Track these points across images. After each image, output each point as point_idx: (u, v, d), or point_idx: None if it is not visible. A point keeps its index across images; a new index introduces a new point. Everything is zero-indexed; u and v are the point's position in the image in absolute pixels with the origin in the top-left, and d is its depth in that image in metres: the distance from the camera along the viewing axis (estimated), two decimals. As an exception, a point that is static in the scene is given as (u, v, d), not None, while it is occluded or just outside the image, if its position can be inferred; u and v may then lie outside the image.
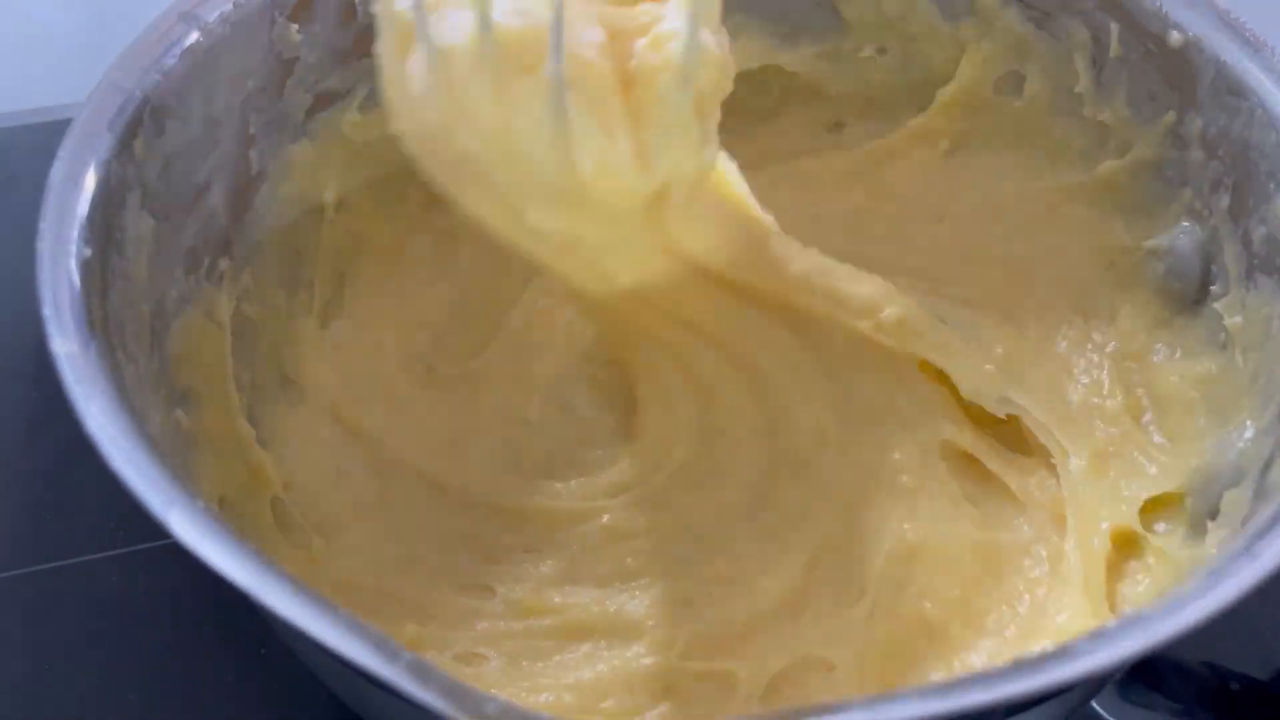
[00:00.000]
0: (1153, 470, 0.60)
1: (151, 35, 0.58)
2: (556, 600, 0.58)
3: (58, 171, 0.52)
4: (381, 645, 0.39)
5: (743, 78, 0.58)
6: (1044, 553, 0.60)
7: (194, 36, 0.59)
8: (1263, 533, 0.44)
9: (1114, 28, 0.64)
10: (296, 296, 0.65)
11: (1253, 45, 0.60)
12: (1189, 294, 0.64)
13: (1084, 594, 0.56)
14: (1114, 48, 0.64)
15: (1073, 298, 0.67)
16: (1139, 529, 0.58)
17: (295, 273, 0.65)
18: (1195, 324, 0.62)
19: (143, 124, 0.56)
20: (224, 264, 0.61)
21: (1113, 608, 0.56)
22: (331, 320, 0.66)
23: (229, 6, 0.60)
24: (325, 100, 0.66)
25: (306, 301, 0.66)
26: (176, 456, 0.52)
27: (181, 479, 0.45)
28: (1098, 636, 0.41)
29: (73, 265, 0.49)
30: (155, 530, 0.42)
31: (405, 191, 0.66)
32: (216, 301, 0.60)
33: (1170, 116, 0.63)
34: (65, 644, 0.62)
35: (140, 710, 0.60)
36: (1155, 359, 0.64)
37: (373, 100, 0.63)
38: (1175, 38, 0.62)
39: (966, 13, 0.69)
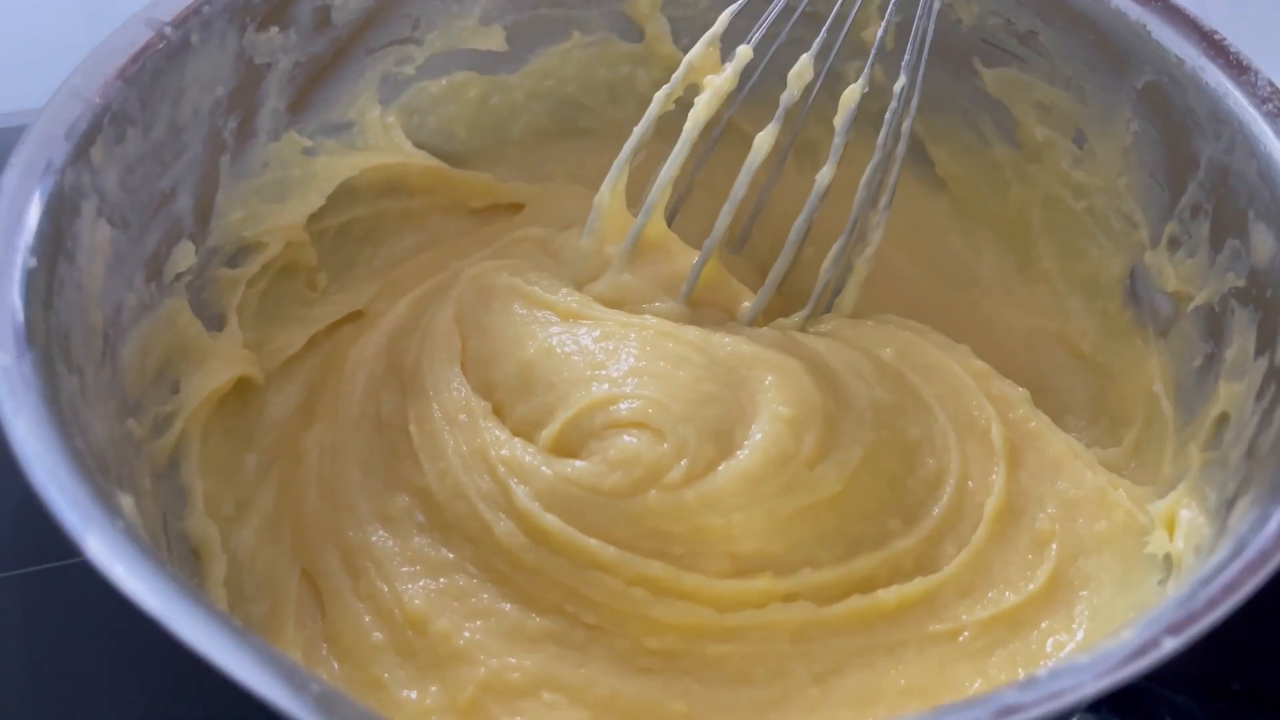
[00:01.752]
0: None
1: (115, 42, 0.58)
2: None
3: (9, 180, 0.52)
4: (290, 676, 0.38)
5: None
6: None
7: (159, 43, 0.59)
8: (1206, 581, 0.43)
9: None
10: None
11: (1237, 69, 0.59)
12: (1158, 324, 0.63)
13: None
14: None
15: None
16: None
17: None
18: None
19: (102, 131, 0.55)
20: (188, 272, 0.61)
21: None
22: None
23: (196, 14, 0.60)
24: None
25: None
26: (123, 468, 0.52)
27: (111, 495, 0.45)
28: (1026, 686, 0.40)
29: (16, 276, 0.49)
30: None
31: None
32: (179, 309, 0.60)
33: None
34: (65, 643, 0.61)
35: (140, 709, 0.60)
36: None
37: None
38: None
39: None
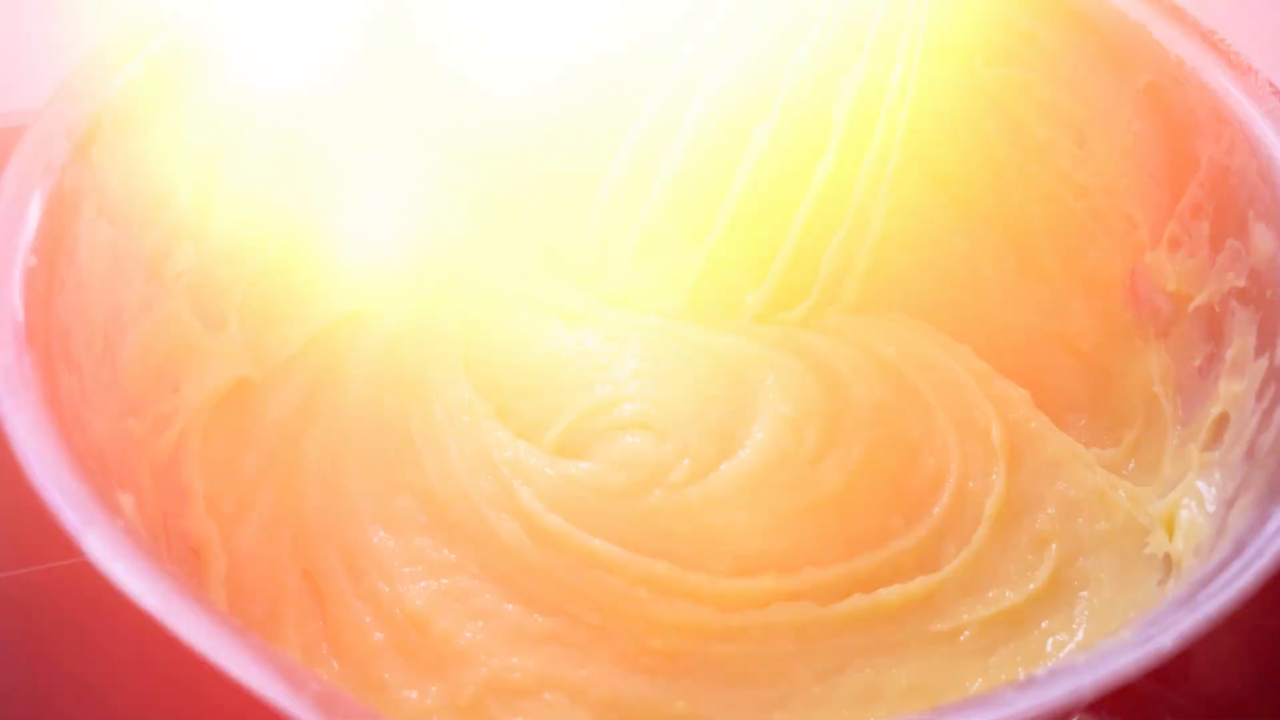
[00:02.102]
0: None
1: (116, 40, 0.58)
2: None
3: (9, 180, 0.52)
4: (289, 675, 0.38)
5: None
6: None
7: (160, 42, 0.59)
8: (1205, 582, 0.43)
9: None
10: None
11: (1236, 69, 0.59)
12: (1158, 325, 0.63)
13: None
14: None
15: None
16: None
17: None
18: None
19: (102, 130, 0.55)
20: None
21: None
22: None
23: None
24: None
25: None
26: (123, 467, 0.52)
27: (111, 494, 0.45)
28: (1025, 686, 0.40)
29: (16, 276, 0.49)
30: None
31: None
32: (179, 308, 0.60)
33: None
34: (64, 643, 0.62)
35: (140, 709, 0.60)
36: None
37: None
38: None
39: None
